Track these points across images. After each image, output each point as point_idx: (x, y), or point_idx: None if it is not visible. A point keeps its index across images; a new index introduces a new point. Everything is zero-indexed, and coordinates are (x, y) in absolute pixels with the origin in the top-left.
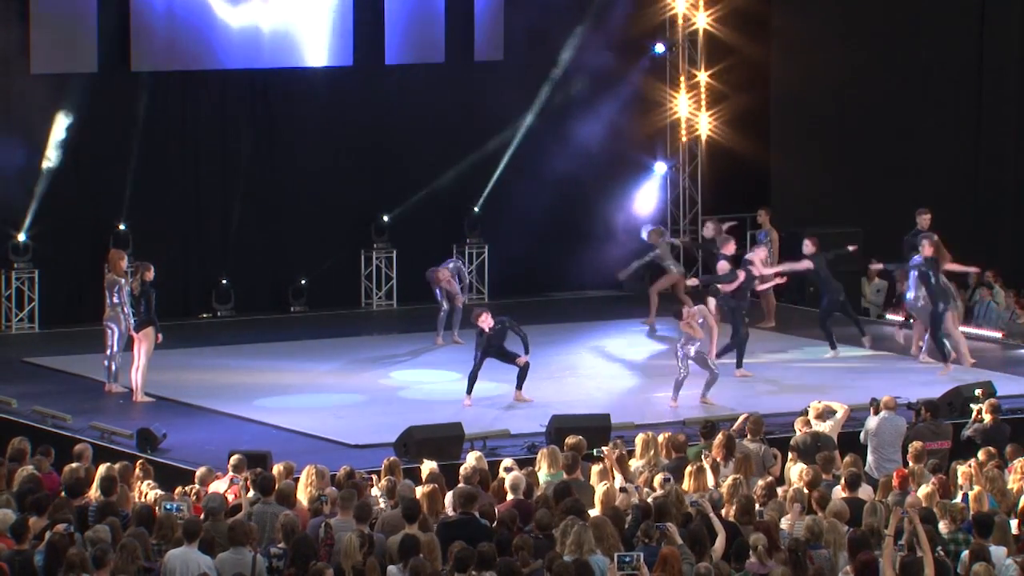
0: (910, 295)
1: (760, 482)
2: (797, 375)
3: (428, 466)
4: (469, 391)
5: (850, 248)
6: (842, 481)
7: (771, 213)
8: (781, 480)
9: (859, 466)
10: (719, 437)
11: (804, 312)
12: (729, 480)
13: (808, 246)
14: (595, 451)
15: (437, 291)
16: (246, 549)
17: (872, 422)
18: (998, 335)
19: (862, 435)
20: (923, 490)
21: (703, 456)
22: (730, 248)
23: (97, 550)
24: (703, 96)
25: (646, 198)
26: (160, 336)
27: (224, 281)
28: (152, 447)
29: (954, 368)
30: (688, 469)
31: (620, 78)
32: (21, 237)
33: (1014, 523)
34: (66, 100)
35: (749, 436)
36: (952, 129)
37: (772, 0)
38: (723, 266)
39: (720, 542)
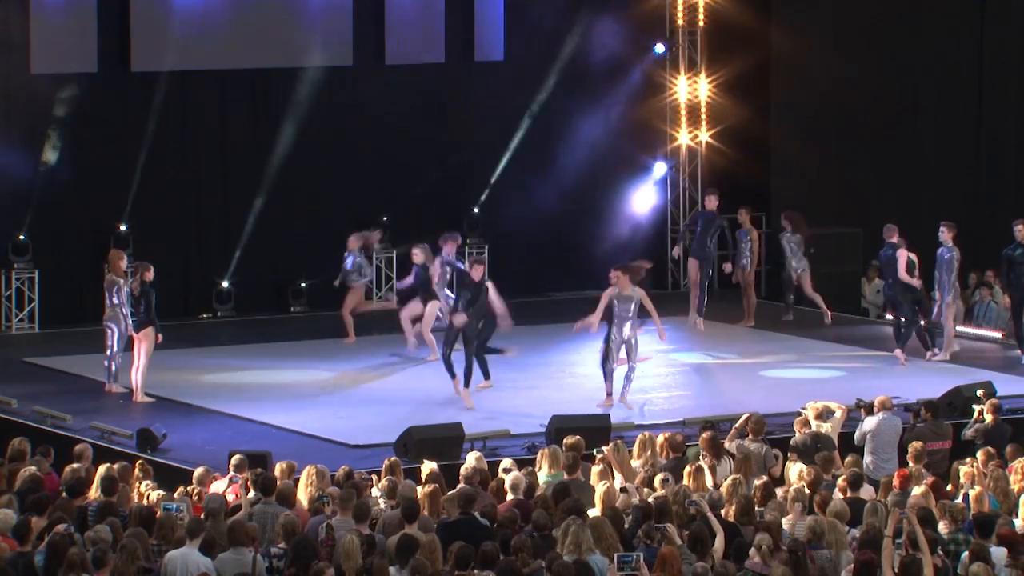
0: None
1: (756, 482)
2: (797, 374)
3: (428, 466)
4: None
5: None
6: (842, 481)
7: (751, 213)
8: (781, 480)
9: (860, 466)
10: (703, 437)
11: (807, 313)
12: (729, 480)
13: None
14: (594, 451)
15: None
16: (246, 549)
17: (870, 423)
18: (998, 335)
19: (856, 436)
20: (916, 490)
21: (702, 457)
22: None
23: (97, 550)
24: (703, 96)
25: (646, 198)
26: (160, 336)
27: (224, 282)
28: (152, 447)
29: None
30: (687, 469)
31: (620, 78)
32: (21, 237)
33: (1018, 523)
34: (66, 100)
35: (750, 436)
36: (952, 129)
37: (772, 0)
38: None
39: (720, 542)
